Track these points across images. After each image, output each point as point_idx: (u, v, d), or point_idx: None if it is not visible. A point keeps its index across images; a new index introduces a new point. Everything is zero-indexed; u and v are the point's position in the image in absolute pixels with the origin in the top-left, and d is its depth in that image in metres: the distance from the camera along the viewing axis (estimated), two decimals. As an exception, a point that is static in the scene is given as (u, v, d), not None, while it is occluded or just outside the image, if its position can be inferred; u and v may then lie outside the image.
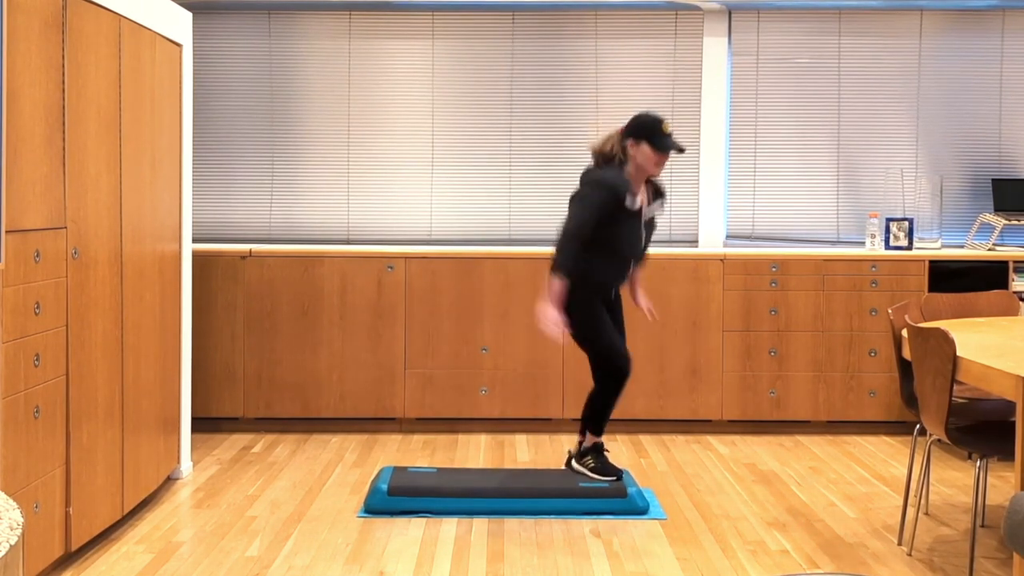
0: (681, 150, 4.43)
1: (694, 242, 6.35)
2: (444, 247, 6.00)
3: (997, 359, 3.45)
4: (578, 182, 4.57)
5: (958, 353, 3.54)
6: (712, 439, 5.82)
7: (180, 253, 4.84)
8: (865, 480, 5.03)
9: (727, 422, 5.96)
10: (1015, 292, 5.80)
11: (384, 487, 4.47)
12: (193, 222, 6.20)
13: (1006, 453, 3.62)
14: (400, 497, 4.44)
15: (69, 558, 3.83)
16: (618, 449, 5.58)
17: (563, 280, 4.38)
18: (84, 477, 3.78)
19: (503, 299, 5.87)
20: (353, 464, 5.25)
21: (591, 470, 4.65)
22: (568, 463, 4.76)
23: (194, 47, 6.21)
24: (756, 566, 3.85)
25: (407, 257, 5.88)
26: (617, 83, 6.30)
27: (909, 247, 6.07)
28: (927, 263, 5.89)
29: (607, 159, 4.54)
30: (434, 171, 6.33)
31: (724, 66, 6.30)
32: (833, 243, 6.35)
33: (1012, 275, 5.86)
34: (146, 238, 4.36)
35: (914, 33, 6.29)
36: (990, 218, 6.08)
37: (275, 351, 5.86)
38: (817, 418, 5.93)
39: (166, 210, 4.62)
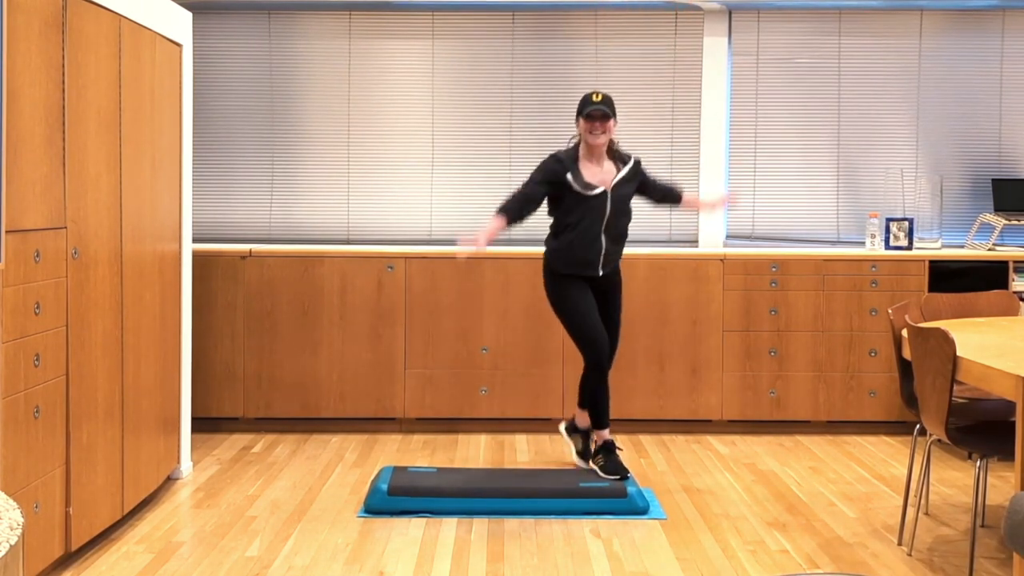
0: (602, 113, 4.71)
1: (694, 242, 6.35)
2: (444, 247, 6.00)
3: (997, 359, 3.45)
4: None
5: (958, 353, 3.53)
6: (712, 439, 5.82)
7: (180, 253, 4.84)
8: (865, 480, 5.03)
9: (727, 422, 5.96)
10: (1015, 292, 5.80)
11: (384, 487, 4.47)
12: (193, 222, 6.20)
13: (1006, 453, 3.62)
14: (400, 497, 4.44)
15: (69, 558, 3.83)
16: (618, 449, 5.58)
17: (499, 217, 4.75)
18: (84, 477, 3.78)
19: (503, 299, 5.87)
20: (353, 464, 5.25)
21: (600, 468, 4.77)
22: (565, 428, 5.16)
23: (194, 47, 6.21)
24: (756, 566, 3.85)
25: (407, 257, 5.87)
26: (617, 83, 6.30)
27: (909, 247, 6.07)
28: (927, 263, 5.89)
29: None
30: (434, 171, 6.33)
31: (724, 66, 6.30)
32: (833, 243, 6.35)
33: (1012, 275, 5.86)
34: (146, 238, 4.36)
35: (914, 33, 6.29)
36: (990, 218, 6.08)
37: (275, 351, 5.86)
38: (817, 418, 5.93)
39: (166, 210, 4.62)
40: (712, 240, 6.33)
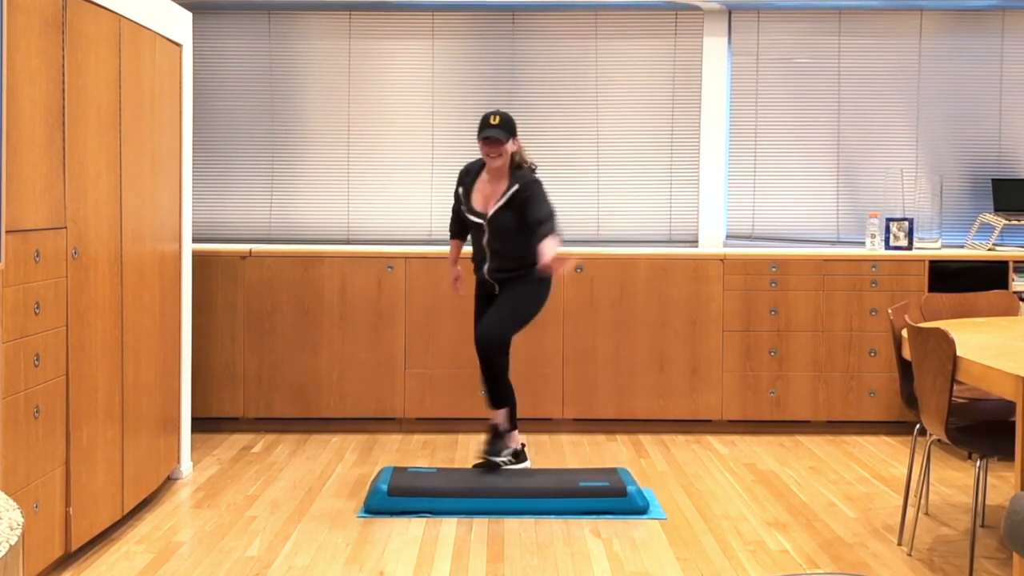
0: (494, 139, 4.72)
1: (694, 242, 6.35)
2: (444, 247, 5.99)
3: (997, 359, 3.45)
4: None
5: (958, 353, 3.53)
6: (712, 439, 5.82)
7: (180, 253, 4.84)
8: (865, 480, 5.03)
9: (727, 422, 5.96)
10: (1015, 292, 5.80)
11: (384, 487, 4.47)
12: (193, 222, 6.20)
13: (1006, 453, 3.62)
14: (400, 497, 4.44)
15: (69, 558, 3.83)
16: (618, 449, 5.58)
17: (453, 242, 5.10)
18: (84, 477, 3.78)
19: (503, 299, 5.86)
20: (353, 464, 5.25)
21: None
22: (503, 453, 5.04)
23: (194, 47, 6.21)
24: (756, 566, 3.85)
25: (407, 257, 5.88)
26: (617, 83, 6.30)
27: (909, 247, 6.07)
28: (927, 263, 5.89)
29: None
30: (434, 171, 6.33)
31: (724, 66, 6.30)
32: (833, 243, 6.35)
33: (1012, 275, 5.86)
34: (146, 238, 4.36)
35: (914, 33, 6.30)
36: (990, 218, 6.08)
37: (275, 351, 5.86)
38: (817, 418, 5.93)
39: (166, 210, 4.62)
40: (712, 240, 6.33)
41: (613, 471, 4.75)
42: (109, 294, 3.97)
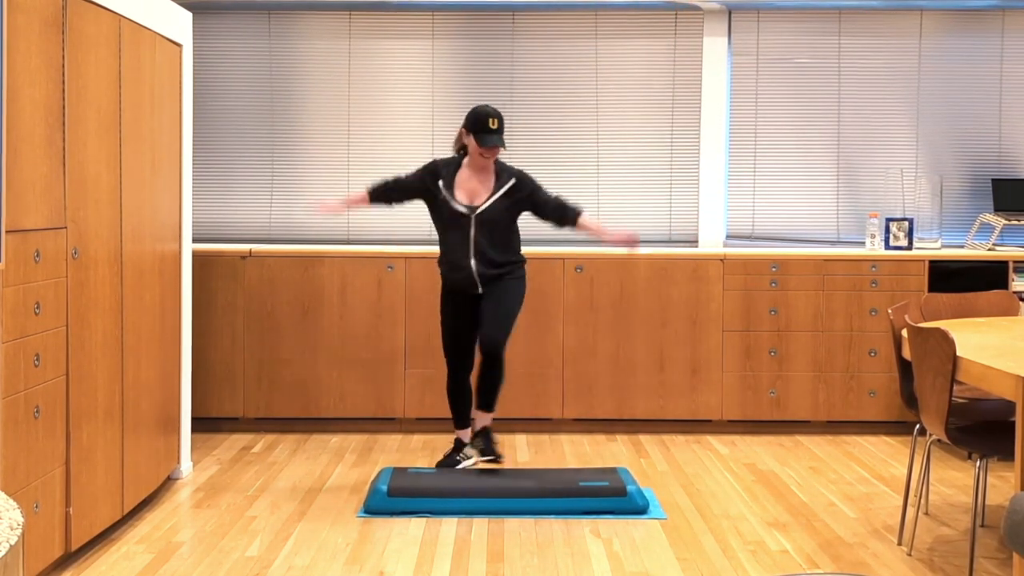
0: (498, 146, 4.72)
1: (694, 242, 6.35)
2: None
3: (997, 359, 3.45)
4: None
5: (958, 353, 3.53)
6: (712, 439, 5.82)
7: (180, 253, 4.84)
8: (865, 480, 5.03)
9: (727, 422, 5.96)
10: (1015, 292, 5.80)
11: (384, 487, 4.47)
12: (193, 222, 6.20)
13: (1006, 453, 3.62)
14: (400, 498, 4.44)
15: (69, 558, 3.83)
16: (618, 449, 5.58)
17: (363, 193, 4.99)
18: (84, 477, 3.78)
19: (503, 299, 5.86)
20: (353, 464, 5.25)
21: (480, 451, 5.08)
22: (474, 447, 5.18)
23: (194, 47, 6.21)
24: (756, 566, 3.85)
25: (407, 257, 5.87)
26: (617, 83, 6.30)
27: (909, 247, 6.07)
28: (927, 263, 5.89)
29: (458, 149, 4.97)
30: (434, 171, 6.32)
31: (724, 66, 6.30)
32: (833, 243, 6.35)
33: (1012, 275, 5.86)
34: (146, 238, 4.36)
35: (914, 33, 6.30)
36: (990, 218, 6.08)
37: (275, 351, 5.86)
38: (817, 418, 5.93)
39: (166, 210, 4.62)
40: (712, 240, 6.33)
41: (613, 471, 4.75)
42: (109, 294, 3.97)
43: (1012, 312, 4.69)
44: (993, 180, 6.20)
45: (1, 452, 3.22)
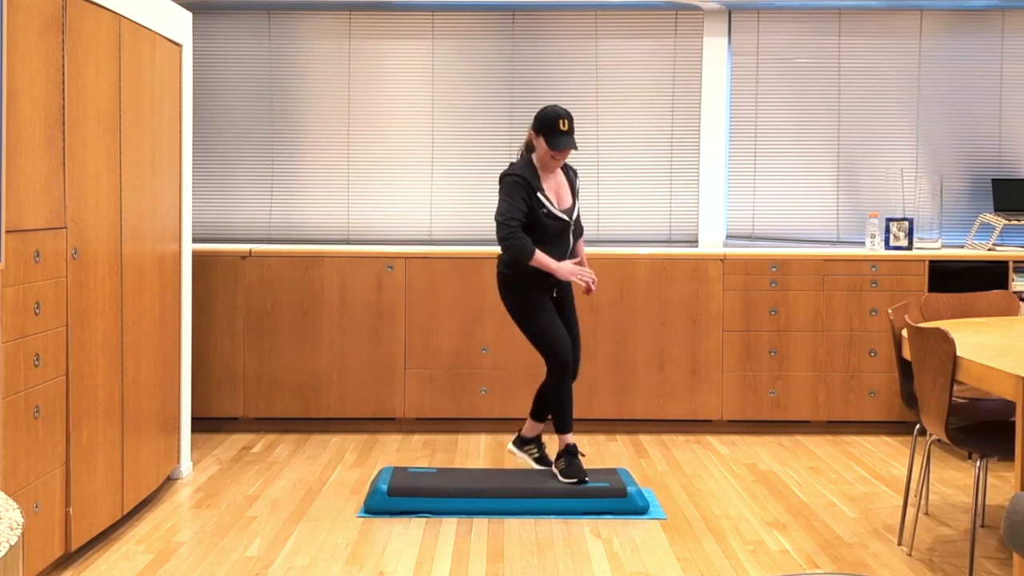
0: (572, 147, 4.51)
1: (694, 242, 6.35)
2: (444, 247, 6.00)
3: (997, 359, 3.45)
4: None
5: (958, 353, 3.54)
6: (712, 439, 5.82)
7: (180, 253, 4.84)
8: (865, 480, 5.03)
9: (727, 422, 5.96)
10: (1015, 292, 5.80)
11: (384, 487, 4.47)
12: (193, 222, 6.20)
13: (1006, 453, 3.62)
14: (400, 497, 4.44)
15: (69, 558, 3.83)
16: (618, 449, 5.58)
17: (538, 255, 4.50)
18: (84, 477, 3.78)
19: (503, 299, 5.86)
20: (353, 464, 5.25)
21: (561, 472, 4.62)
22: (514, 445, 4.89)
23: (194, 47, 6.21)
24: (756, 566, 3.85)
25: (407, 257, 5.88)
26: (617, 83, 6.30)
27: (909, 247, 6.07)
28: (927, 263, 5.89)
29: (526, 150, 4.70)
30: (434, 171, 6.33)
31: (724, 66, 6.30)
32: (833, 243, 6.35)
33: (1012, 275, 5.86)
34: (146, 238, 4.36)
35: (914, 33, 6.30)
36: (990, 218, 6.08)
37: (275, 351, 5.86)
38: (817, 418, 5.93)
39: (166, 210, 4.62)
40: (712, 240, 6.33)
41: (613, 471, 4.75)
42: (109, 294, 3.97)
43: (1012, 312, 4.69)
44: (993, 180, 6.20)
45: (1, 452, 3.22)
